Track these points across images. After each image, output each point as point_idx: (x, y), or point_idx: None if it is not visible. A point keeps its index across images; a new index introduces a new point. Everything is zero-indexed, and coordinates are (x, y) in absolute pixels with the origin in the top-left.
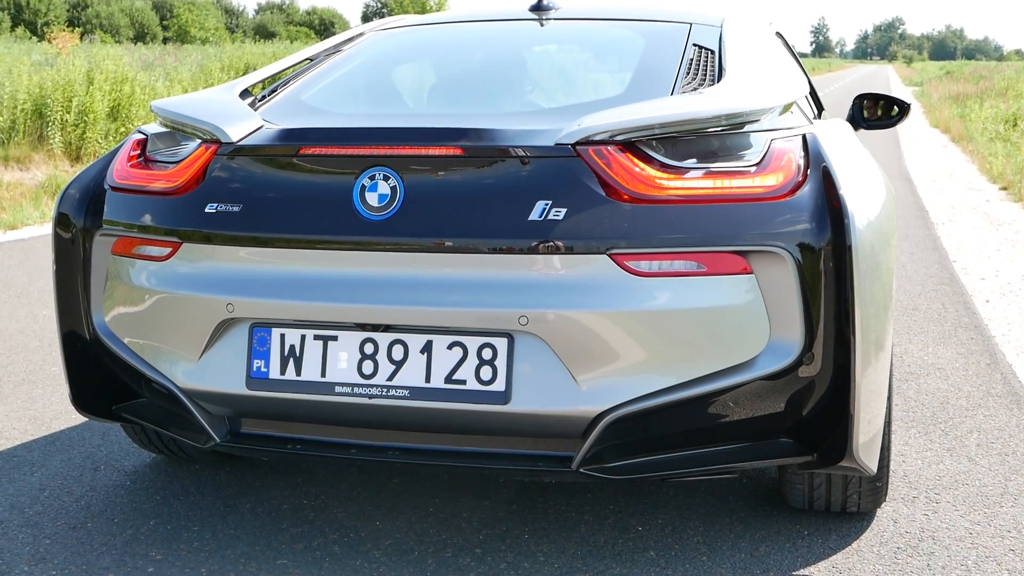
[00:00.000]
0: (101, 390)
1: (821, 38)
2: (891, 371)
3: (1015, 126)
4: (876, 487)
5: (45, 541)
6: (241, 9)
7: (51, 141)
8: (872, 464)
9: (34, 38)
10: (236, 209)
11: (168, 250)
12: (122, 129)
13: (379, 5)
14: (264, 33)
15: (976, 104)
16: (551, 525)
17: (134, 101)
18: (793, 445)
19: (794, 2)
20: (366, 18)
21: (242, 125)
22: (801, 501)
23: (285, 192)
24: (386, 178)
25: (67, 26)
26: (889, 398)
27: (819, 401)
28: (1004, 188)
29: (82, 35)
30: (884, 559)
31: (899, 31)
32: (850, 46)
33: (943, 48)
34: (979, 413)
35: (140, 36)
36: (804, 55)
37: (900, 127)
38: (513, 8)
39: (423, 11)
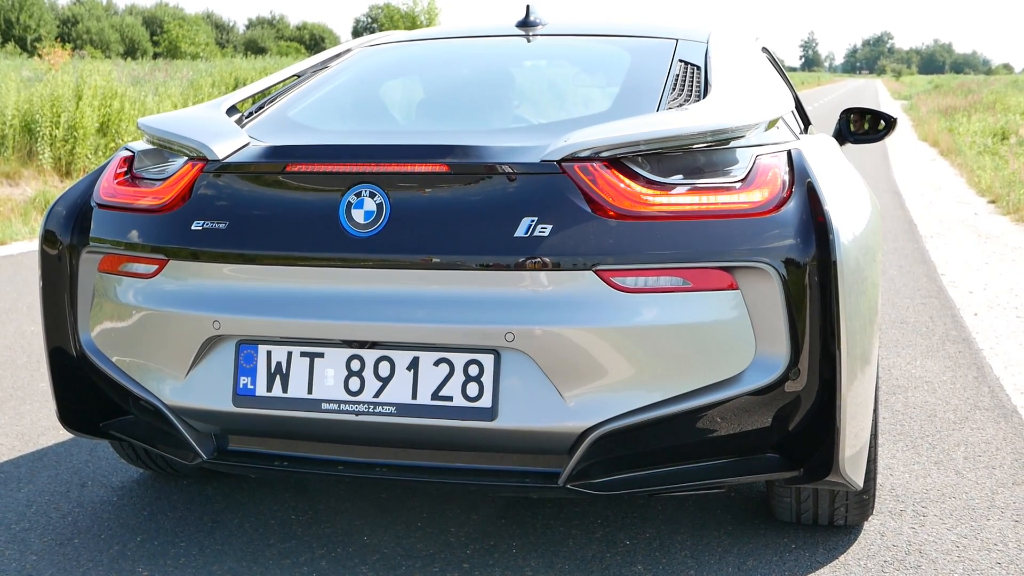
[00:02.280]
0: (88, 407)
1: (810, 52)
2: (877, 385)
3: (1003, 139)
4: (863, 501)
5: (32, 557)
6: (231, 24)
7: (40, 157)
8: (858, 479)
9: (24, 54)
10: (222, 226)
11: (155, 267)
12: (111, 145)
13: (369, 20)
14: (255, 48)
15: (964, 118)
16: (539, 539)
17: (124, 117)
18: (779, 460)
19: (783, 17)
20: (356, 33)
21: (228, 142)
22: (789, 515)
23: (271, 209)
24: (372, 195)
25: (57, 42)
26: (875, 412)
27: (805, 416)
28: (992, 201)
29: (72, 51)
30: (871, 572)
31: (888, 45)
32: (839, 60)
33: (932, 62)
34: (966, 426)
35: (130, 52)
36: (793, 69)
37: (889, 141)
38: (500, 24)
39: (413, 26)
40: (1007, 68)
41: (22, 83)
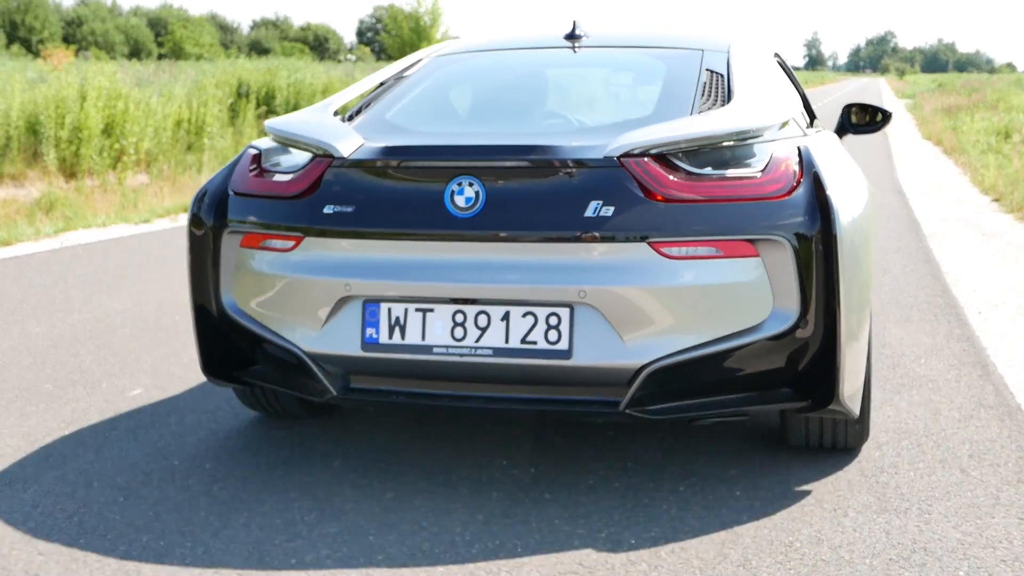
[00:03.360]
0: (226, 358)
1: (814, 52)
2: (870, 337)
3: (1007, 138)
4: (859, 428)
5: (38, 558)
6: (236, 26)
7: (45, 158)
8: (855, 408)
9: (29, 55)
10: (349, 209)
11: (292, 243)
12: (116, 146)
13: (374, 21)
14: (259, 49)
15: (968, 116)
16: (544, 539)
17: (128, 118)
18: (791, 393)
19: (787, 16)
20: (360, 34)
21: (348, 142)
22: (799, 439)
23: (388, 195)
24: (471, 184)
25: (62, 43)
26: (868, 359)
27: (812, 357)
28: (996, 200)
29: (77, 52)
30: (876, 570)
31: (891, 44)
32: (843, 59)
33: (935, 61)
34: (971, 424)
35: (135, 53)
36: (797, 68)
37: (893, 140)
38: (548, 36)
39: (417, 26)
40: (1010, 67)
41: (27, 84)
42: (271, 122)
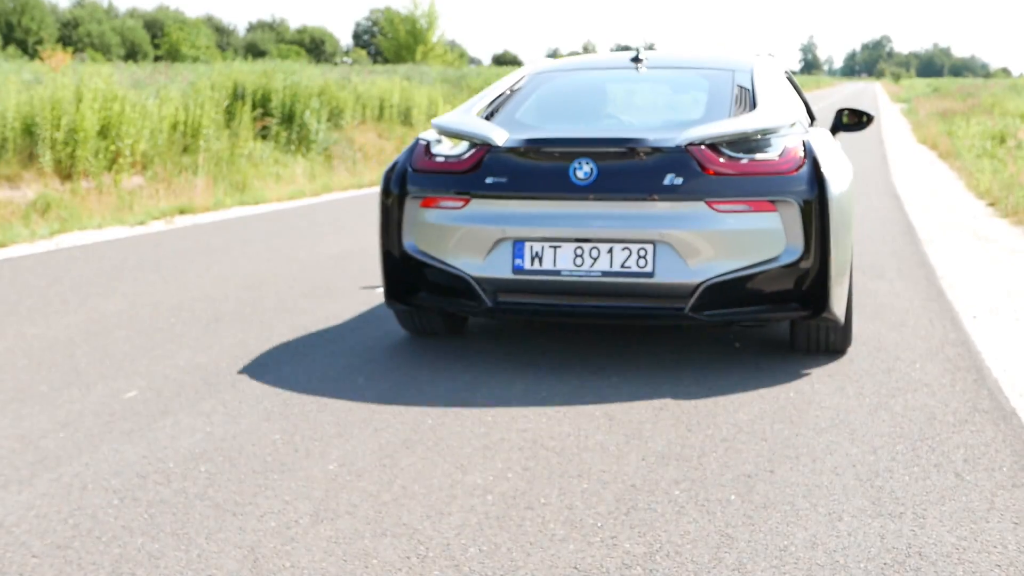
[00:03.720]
0: (403, 287)
1: (810, 56)
2: (851, 272)
3: (1002, 143)
4: (843, 335)
5: (32, 560)
6: (232, 28)
7: (41, 159)
8: (841, 317)
9: (25, 57)
10: (504, 180)
11: (462, 203)
12: (112, 147)
13: (370, 23)
14: (255, 52)
15: (963, 121)
16: (538, 543)
17: (124, 119)
18: (797, 305)
19: (783, 21)
20: (356, 36)
21: (499, 135)
22: (803, 344)
23: (531, 171)
24: (587, 163)
25: (58, 44)
26: (850, 284)
27: (811, 280)
28: (991, 204)
29: (73, 53)
30: (871, 574)
31: (887, 49)
32: (838, 64)
33: (931, 66)
34: (966, 429)
35: (131, 55)
36: (794, 72)
37: (889, 145)
38: (617, 58)
39: (413, 29)
40: (1005, 72)
41: (23, 86)
42: (438, 120)
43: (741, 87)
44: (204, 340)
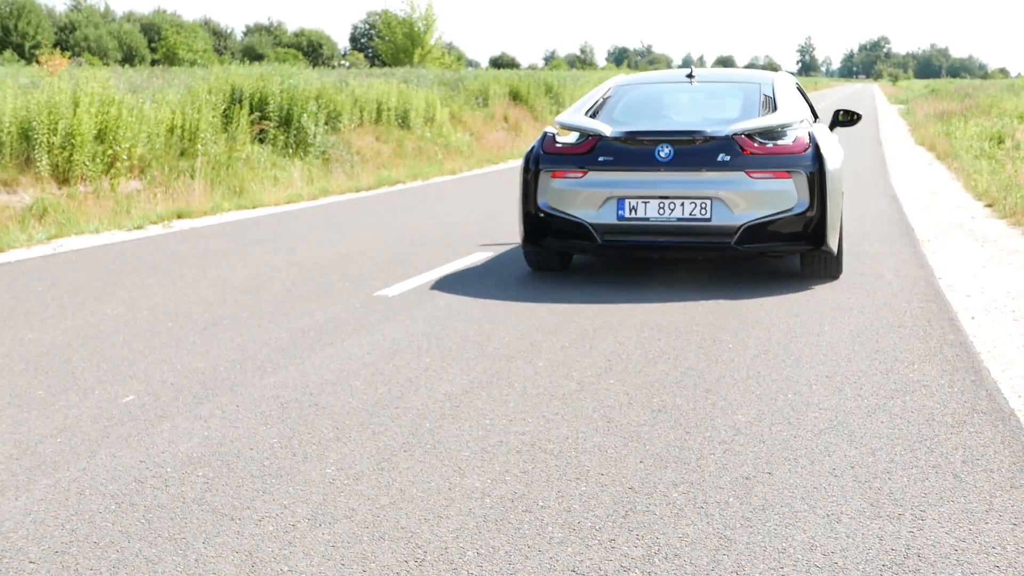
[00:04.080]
0: (537, 234)
1: (807, 57)
2: (841, 221)
3: (1000, 143)
4: (837, 266)
5: (30, 566)
6: (229, 31)
7: (38, 164)
8: (835, 250)
9: (22, 61)
10: (611, 159)
11: (581, 174)
12: (109, 151)
13: (367, 27)
14: (252, 55)
15: (961, 122)
16: (536, 546)
17: (121, 123)
18: (805, 242)
19: (780, 22)
20: (354, 39)
21: (605, 128)
22: (809, 271)
23: (629, 152)
24: (666, 147)
25: (55, 49)
26: (840, 229)
27: (814, 225)
28: (989, 205)
29: (70, 57)
30: None
31: (884, 50)
32: (836, 64)
33: (928, 66)
34: (964, 430)
35: (128, 59)
36: (791, 73)
37: (887, 146)
38: (676, 74)
39: (411, 32)
40: (1003, 72)
41: (19, 90)
42: (560, 117)
43: (766, 95)
44: (202, 344)
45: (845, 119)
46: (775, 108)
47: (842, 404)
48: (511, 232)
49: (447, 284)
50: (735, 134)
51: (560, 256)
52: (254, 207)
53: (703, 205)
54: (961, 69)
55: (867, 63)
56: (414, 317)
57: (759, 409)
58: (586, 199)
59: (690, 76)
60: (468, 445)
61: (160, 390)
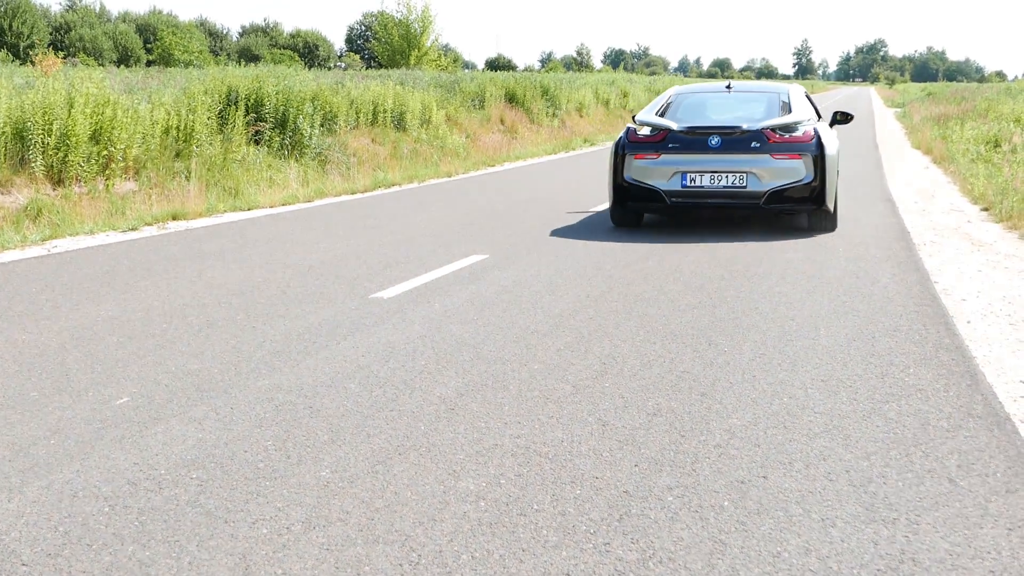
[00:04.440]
0: (622, 199)
1: (804, 60)
2: (836, 189)
3: (996, 147)
4: (832, 222)
5: (23, 568)
6: (225, 32)
7: (33, 164)
8: (831, 209)
9: (16, 61)
10: (678, 145)
11: (656, 156)
12: (104, 152)
13: (363, 28)
14: (248, 56)
15: (957, 125)
16: (531, 549)
17: (116, 124)
18: (811, 203)
19: (776, 25)
20: (350, 41)
21: (672, 124)
22: (813, 225)
23: (690, 140)
24: (716, 137)
25: (50, 49)
26: (835, 194)
27: (817, 191)
28: (985, 209)
29: (65, 58)
30: None
31: (881, 53)
32: (833, 68)
33: (925, 69)
34: (959, 434)
35: (124, 59)
36: (787, 77)
37: (883, 149)
38: (719, 86)
39: (407, 33)
40: (1000, 76)
41: (14, 90)
42: (639, 116)
43: (783, 101)
44: (196, 346)
45: (841, 119)
46: (790, 110)
47: (837, 408)
48: (503, 235)
49: (442, 286)
50: (763, 128)
51: (637, 216)
52: (249, 209)
53: (741, 177)
54: (958, 72)
55: (864, 66)
56: (409, 319)
57: (754, 413)
58: (659, 173)
59: (728, 87)
60: (463, 448)
61: (154, 392)
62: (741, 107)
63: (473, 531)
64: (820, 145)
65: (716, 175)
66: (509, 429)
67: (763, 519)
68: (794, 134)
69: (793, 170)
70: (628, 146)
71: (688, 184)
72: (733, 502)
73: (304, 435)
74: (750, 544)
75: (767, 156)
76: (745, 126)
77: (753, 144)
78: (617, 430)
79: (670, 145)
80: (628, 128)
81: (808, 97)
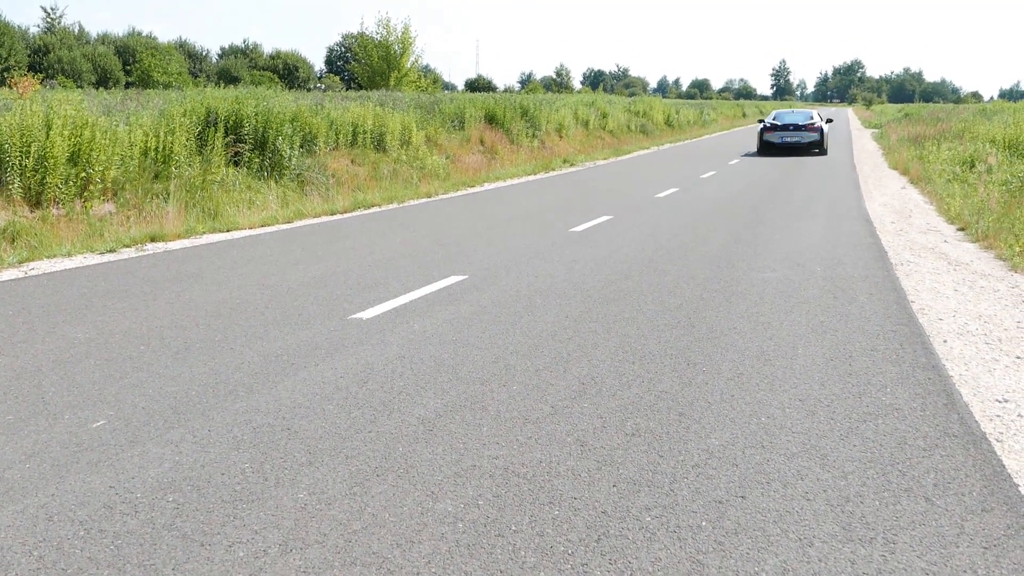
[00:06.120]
0: (764, 149)
1: (782, 81)
2: (827, 141)
3: (972, 167)
4: (825, 152)
5: None
6: (205, 53)
7: (10, 187)
8: (827, 150)
9: None
10: (778, 126)
11: (772, 131)
12: (82, 174)
13: (343, 50)
14: (228, 78)
15: (934, 146)
16: (508, 571)
17: (95, 146)
18: (818, 149)
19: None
20: (330, 62)
21: (776, 121)
22: (817, 153)
23: (781, 125)
24: (787, 131)
25: (28, 72)
26: (826, 144)
27: (821, 144)
28: (962, 229)
29: (43, 80)
30: None
31: (858, 74)
32: (810, 88)
33: (902, 90)
34: (936, 453)
35: (103, 81)
36: (765, 98)
37: (861, 169)
38: (787, 108)
39: (387, 55)
40: (976, 96)
41: None
42: (766, 119)
43: (811, 113)
44: (174, 368)
45: (829, 120)
46: (812, 118)
47: (815, 427)
48: (482, 256)
49: (421, 307)
50: (804, 123)
51: (770, 149)
52: (228, 230)
53: (800, 139)
54: (934, 93)
55: (841, 87)
56: (388, 341)
57: (732, 433)
58: (773, 137)
59: (791, 111)
60: (441, 469)
61: (131, 415)
62: (797, 116)
63: (451, 553)
64: (821, 130)
65: (790, 137)
66: (487, 450)
67: (741, 539)
68: (813, 125)
69: (814, 137)
70: (764, 128)
71: (778, 141)
72: (711, 522)
73: (281, 457)
74: (728, 564)
75: (805, 131)
76: (799, 121)
77: (801, 127)
78: (595, 450)
79: (775, 127)
80: (761, 121)
81: (819, 113)
